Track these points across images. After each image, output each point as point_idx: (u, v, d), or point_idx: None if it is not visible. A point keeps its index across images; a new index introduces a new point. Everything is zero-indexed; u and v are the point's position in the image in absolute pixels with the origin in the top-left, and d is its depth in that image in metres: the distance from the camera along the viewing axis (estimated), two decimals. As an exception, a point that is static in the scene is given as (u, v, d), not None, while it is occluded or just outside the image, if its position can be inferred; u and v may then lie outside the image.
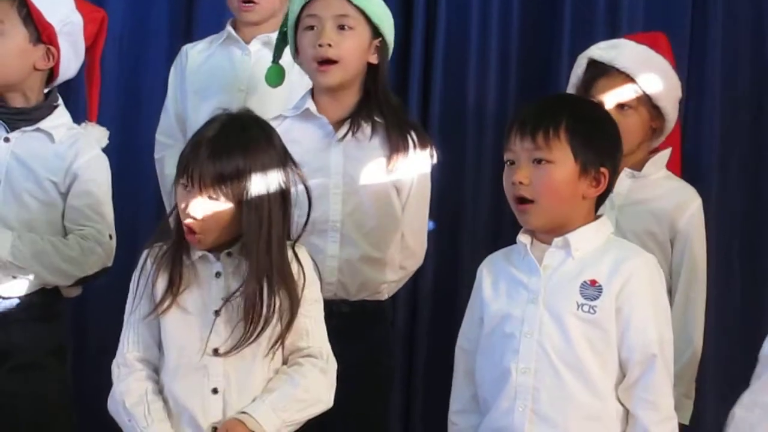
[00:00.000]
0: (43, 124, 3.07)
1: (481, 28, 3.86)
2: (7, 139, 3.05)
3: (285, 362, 2.68)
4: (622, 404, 2.63)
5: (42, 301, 3.03)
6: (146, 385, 2.66)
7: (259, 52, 3.51)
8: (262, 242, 2.62)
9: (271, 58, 3.34)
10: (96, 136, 3.16)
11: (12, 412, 2.98)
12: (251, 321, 2.60)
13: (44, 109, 3.08)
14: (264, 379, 2.65)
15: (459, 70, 3.86)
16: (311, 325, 2.68)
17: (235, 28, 3.55)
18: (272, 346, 2.63)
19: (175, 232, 2.69)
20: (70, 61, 3.12)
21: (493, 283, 2.72)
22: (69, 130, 3.10)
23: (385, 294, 3.18)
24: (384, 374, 3.21)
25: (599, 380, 2.60)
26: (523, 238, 2.70)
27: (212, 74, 3.51)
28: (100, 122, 3.30)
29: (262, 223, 2.63)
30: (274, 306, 2.61)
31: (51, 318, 3.06)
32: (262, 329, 2.60)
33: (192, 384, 2.63)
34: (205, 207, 2.61)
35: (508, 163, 2.69)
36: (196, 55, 3.57)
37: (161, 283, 2.67)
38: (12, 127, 3.05)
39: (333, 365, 2.69)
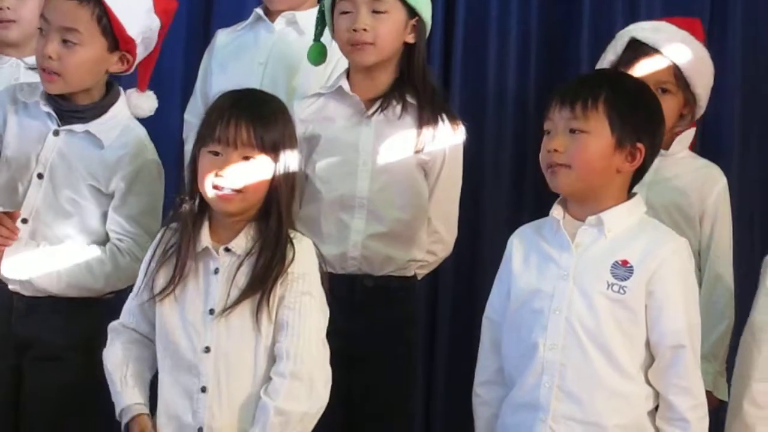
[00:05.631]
0: (93, 126, 3.00)
1: (501, 7, 3.85)
2: (56, 133, 3.01)
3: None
4: (648, 384, 2.63)
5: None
6: (127, 351, 2.69)
7: (282, 30, 3.51)
8: (286, 204, 2.66)
9: (294, 36, 3.42)
10: (145, 106, 3.12)
11: (31, 402, 2.98)
12: (254, 281, 2.61)
13: (98, 108, 3.02)
14: (255, 376, 2.64)
15: (479, 52, 3.85)
16: (293, 318, 2.64)
17: (265, 13, 3.55)
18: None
19: (184, 220, 2.70)
20: (141, 57, 3.08)
21: (524, 256, 2.72)
22: (119, 137, 3.02)
23: (412, 271, 3.18)
24: (408, 350, 3.21)
25: (626, 359, 2.61)
26: (556, 212, 2.69)
27: (236, 51, 3.52)
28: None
29: (290, 186, 2.67)
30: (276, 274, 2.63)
31: (77, 311, 3.01)
32: (254, 292, 2.61)
33: (181, 382, 2.64)
34: (241, 166, 2.63)
35: (547, 132, 2.69)
36: (225, 36, 3.58)
37: (165, 272, 2.67)
38: (64, 122, 3.00)
39: (307, 364, 2.62)
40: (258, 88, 2.88)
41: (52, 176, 2.99)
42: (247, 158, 2.63)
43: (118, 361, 2.69)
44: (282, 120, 2.70)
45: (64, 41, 2.93)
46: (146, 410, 2.66)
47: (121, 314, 2.76)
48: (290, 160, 2.68)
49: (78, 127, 3.00)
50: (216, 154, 2.64)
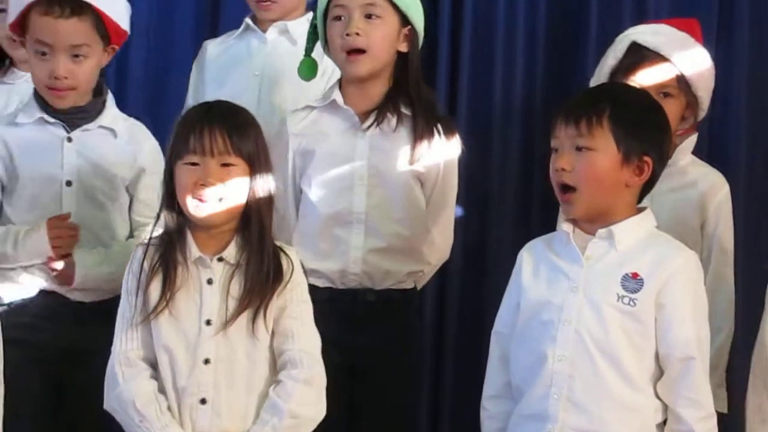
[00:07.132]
0: (103, 120, 3.08)
1: (507, 16, 3.84)
2: (69, 139, 3.05)
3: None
4: (658, 397, 2.63)
5: (111, 300, 2.99)
6: (153, 385, 2.65)
7: (275, 40, 3.49)
8: (267, 211, 2.66)
9: (287, 45, 3.41)
10: None
11: (86, 411, 2.99)
12: (251, 291, 2.62)
13: (99, 104, 3.09)
14: (251, 385, 2.64)
15: (486, 61, 3.84)
16: (297, 327, 2.66)
17: (254, 22, 3.53)
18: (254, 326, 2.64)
19: (168, 234, 2.68)
20: None
21: (534, 268, 2.72)
22: (125, 121, 3.13)
23: (411, 283, 3.17)
24: (412, 363, 3.22)
25: (635, 371, 2.61)
26: (565, 226, 2.70)
27: (230, 63, 3.51)
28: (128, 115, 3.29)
29: (267, 194, 2.66)
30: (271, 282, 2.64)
31: (112, 314, 3.01)
32: (252, 303, 2.62)
33: (181, 393, 2.63)
34: (221, 173, 2.62)
35: (554, 150, 2.69)
36: (215, 47, 3.57)
37: (155, 286, 2.64)
38: (72, 126, 3.05)
39: (317, 370, 2.66)
40: (225, 101, 2.83)
41: (81, 179, 3.05)
42: (225, 165, 2.63)
43: (149, 396, 2.63)
44: (253, 127, 2.69)
45: (75, 56, 3.00)
46: None
47: (119, 343, 2.68)
48: (265, 167, 2.68)
49: (91, 125, 3.07)
50: (193, 164, 2.62)
